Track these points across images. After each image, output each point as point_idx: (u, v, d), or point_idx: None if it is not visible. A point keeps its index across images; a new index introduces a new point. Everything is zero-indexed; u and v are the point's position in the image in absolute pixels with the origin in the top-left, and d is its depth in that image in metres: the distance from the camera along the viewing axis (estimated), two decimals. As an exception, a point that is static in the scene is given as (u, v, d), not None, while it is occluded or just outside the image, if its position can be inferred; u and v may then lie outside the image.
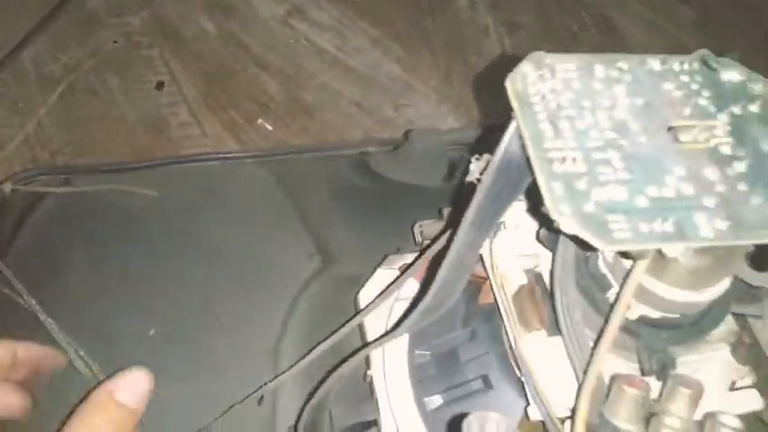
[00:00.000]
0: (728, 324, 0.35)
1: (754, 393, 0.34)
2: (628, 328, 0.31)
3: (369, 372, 0.40)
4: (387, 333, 0.33)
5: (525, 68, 0.26)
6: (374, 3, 1.00)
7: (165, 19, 0.93)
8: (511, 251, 0.35)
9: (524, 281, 0.35)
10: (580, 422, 0.27)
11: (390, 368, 0.39)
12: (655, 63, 0.27)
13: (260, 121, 0.85)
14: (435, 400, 0.38)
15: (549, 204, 0.22)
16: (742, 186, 0.24)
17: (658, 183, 0.24)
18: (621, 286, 0.27)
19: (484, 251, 0.35)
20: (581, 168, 0.23)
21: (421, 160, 0.57)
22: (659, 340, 0.30)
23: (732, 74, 0.28)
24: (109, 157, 0.79)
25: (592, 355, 0.28)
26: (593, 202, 0.23)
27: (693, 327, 0.31)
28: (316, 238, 0.52)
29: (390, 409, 0.38)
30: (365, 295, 0.44)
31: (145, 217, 0.52)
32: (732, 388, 0.34)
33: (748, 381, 0.35)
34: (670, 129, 0.25)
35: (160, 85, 0.85)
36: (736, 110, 0.27)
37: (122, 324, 0.47)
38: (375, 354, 0.40)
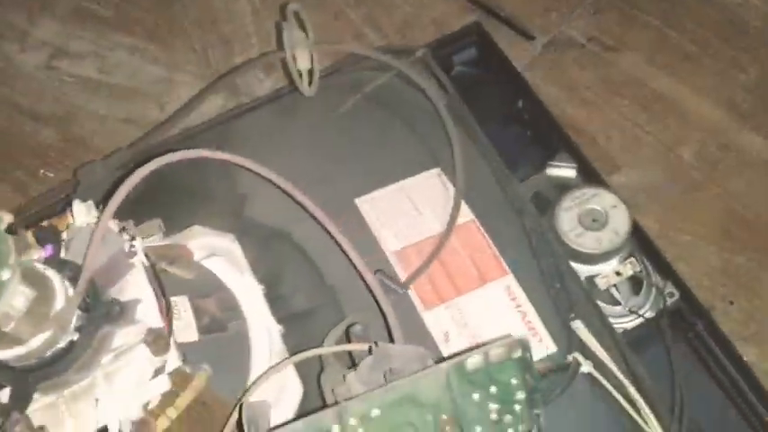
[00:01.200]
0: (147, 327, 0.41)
1: (163, 378, 0.40)
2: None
3: None
4: None
5: None
6: (123, 10, 1.03)
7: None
8: None
9: None
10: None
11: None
12: None
13: (42, 172, 0.93)
14: None
15: None
16: None
17: None
18: None
19: None
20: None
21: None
22: (28, 383, 0.37)
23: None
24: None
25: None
26: None
27: (69, 355, 0.38)
28: None
29: None
30: None
31: None
32: (154, 376, 0.41)
33: (175, 363, 0.42)
34: None
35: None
36: None
37: None
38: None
